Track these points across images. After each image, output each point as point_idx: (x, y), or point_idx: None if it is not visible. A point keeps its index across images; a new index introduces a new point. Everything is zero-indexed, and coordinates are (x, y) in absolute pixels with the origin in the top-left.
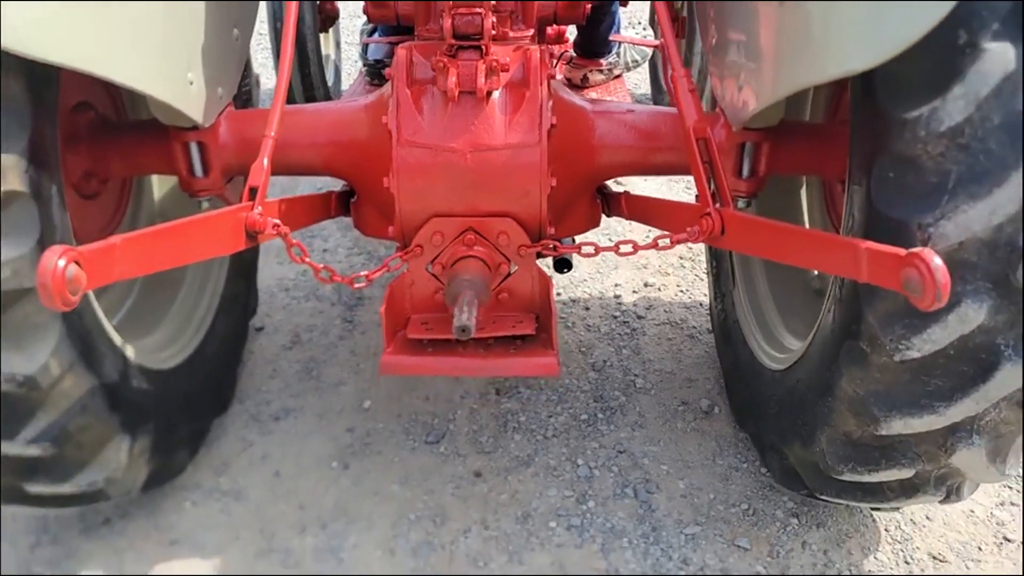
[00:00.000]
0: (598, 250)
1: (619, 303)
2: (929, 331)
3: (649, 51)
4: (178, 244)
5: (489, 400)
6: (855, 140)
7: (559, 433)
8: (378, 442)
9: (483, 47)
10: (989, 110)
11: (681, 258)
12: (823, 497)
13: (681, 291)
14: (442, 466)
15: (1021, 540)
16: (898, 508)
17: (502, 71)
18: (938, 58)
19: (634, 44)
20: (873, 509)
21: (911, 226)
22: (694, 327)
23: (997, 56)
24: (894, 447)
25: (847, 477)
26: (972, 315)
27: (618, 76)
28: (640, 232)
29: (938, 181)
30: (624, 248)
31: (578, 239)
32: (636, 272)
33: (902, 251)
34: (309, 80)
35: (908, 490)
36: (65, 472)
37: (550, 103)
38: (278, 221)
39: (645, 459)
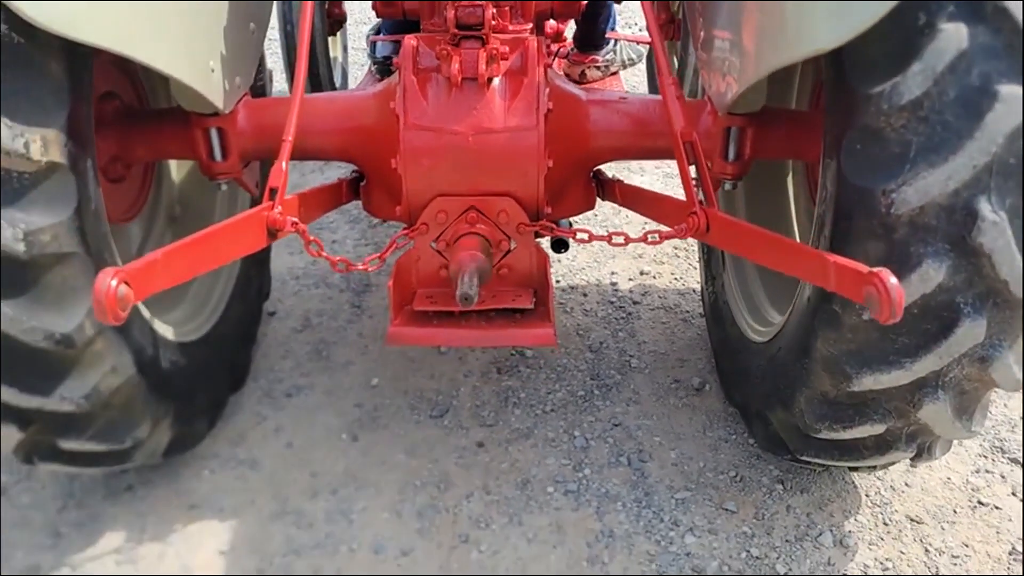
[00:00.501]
0: (592, 237)
1: (616, 290)
2: None
3: (645, 50)
4: (210, 251)
5: (491, 378)
6: (828, 117)
7: (557, 408)
8: (385, 416)
9: (484, 36)
10: (945, 84)
11: (675, 248)
12: (804, 458)
13: (675, 278)
14: (446, 438)
15: (998, 507)
16: (874, 468)
17: (502, 59)
18: (899, 37)
19: (629, 41)
20: (851, 469)
21: (876, 193)
22: (687, 312)
23: (952, 35)
24: (866, 404)
25: (824, 435)
26: (933, 275)
27: (614, 73)
28: (635, 228)
29: (900, 151)
30: (616, 239)
31: (574, 227)
32: (632, 261)
33: (864, 268)
34: (317, 80)
35: (882, 447)
36: (96, 430)
37: (547, 89)
38: (296, 219)
39: (639, 431)
